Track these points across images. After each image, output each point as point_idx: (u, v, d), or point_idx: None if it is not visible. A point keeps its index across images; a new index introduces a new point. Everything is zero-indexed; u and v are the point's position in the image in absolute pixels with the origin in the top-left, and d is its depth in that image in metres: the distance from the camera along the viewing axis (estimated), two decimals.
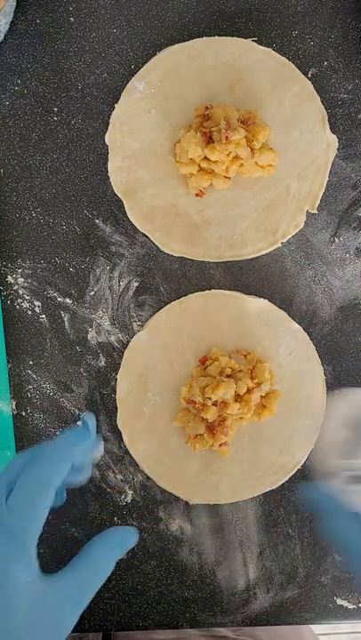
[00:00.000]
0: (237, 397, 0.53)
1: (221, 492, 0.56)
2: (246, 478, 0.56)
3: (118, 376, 0.56)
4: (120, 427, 0.56)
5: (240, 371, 0.54)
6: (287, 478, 0.56)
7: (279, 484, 0.56)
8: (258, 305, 0.56)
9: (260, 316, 0.56)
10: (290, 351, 0.56)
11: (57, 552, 0.57)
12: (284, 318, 0.57)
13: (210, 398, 0.52)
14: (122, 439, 0.56)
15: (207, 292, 0.57)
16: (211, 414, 0.52)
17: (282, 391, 0.55)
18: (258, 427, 0.56)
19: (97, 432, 0.41)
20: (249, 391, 0.53)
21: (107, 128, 0.56)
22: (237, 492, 0.56)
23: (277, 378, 0.56)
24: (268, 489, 0.56)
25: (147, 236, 0.57)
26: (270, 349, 0.56)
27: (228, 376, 0.53)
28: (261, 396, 0.54)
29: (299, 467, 0.56)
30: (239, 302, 0.56)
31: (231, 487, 0.56)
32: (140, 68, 0.56)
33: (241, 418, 0.53)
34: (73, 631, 0.56)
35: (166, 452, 0.56)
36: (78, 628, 0.57)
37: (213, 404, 0.52)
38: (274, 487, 0.56)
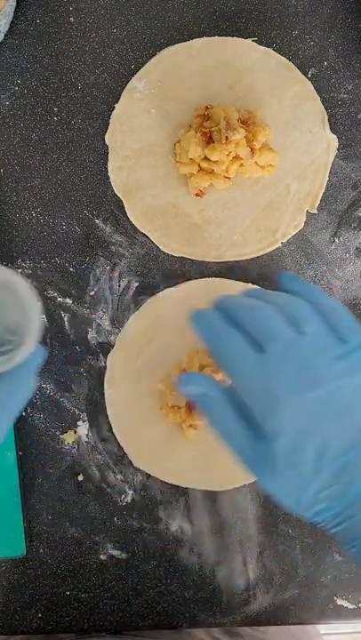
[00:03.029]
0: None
1: (167, 470, 0.56)
2: (195, 468, 0.56)
3: (130, 318, 0.56)
4: (108, 362, 0.56)
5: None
6: (232, 487, 0.56)
7: (222, 488, 0.56)
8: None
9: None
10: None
11: (57, 552, 0.57)
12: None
13: None
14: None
15: (250, 285, 0.56)
16: None
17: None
18: None
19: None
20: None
21: (107, 128, 0.56)
22: (182, 477, 0.56)
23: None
24: (209, 488, 0.56)
25: (147, 236, 0.57)
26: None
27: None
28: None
29: (246, 483, 0.56)
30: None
31: (178, 470, 0.56)
32: (140, 68, 0.56)
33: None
34: (70, 631, 0.56)
35: (136, 407, 0.56)
36: (78, 628, 0.57)
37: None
38: (214, 489, 0.56)
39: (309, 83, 0.56)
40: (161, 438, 0.56)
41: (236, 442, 0.36)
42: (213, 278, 0.57)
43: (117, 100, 0.56)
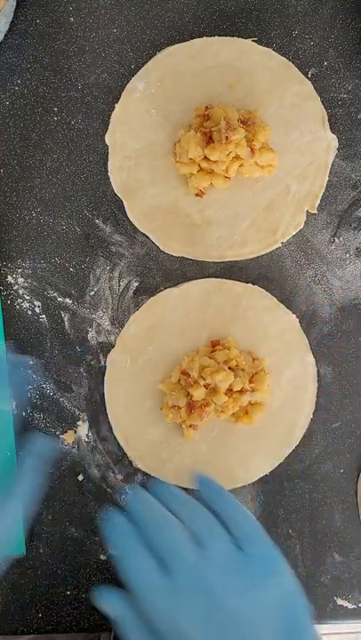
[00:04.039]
0: (228, 392, 0.53)
1: (167, 469, 0.56)
2: (195, 468, 0.56)
3: (131, 318, 0.56)
4: (108, 362, 0.56)
5: (243, 369, 0.54)
6: (232, 488, 0.56)
7: None
8: (288, 320, 0.56)
9: (285, 332, 0.56)
10: (294, 377, 0.56)
11: (57, 552, 0.57)
12: (303, 345, 0.57)
13: (204, 379, 0.52)
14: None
15: (251, 285, 0.57)
16: (198, 393, 0.52)
17: (268, 408, 0.55)
18: (229, 429, 0.56)
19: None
20: (242, 392, 0.54)
21: (107, 128, 0.56)
22: (179, 477, 0.56)
23: (270, 394, 0.56)
24: None
25: (147, 236, 0.57)
26: (277, 366, 0.56)
27: (230, 368, 0.53)
28: (249, 403, 0.54)
29: (245, 484, 0.56)
30: (275, 310, 0.56)
31: (176, 470, 0.56)
32: (140, 68, 0.56)
33: (221, 412, 0.53)
34: (70, 631, 0.56)
35: (136, 407, 0.56)
36: (78, 628, 0.57)
37: (205, 386, 0.52)
38: None
39: (309, 83, 0.56)
40: (161, 438, 0.56)
41: None
42: (213, 278, 0.57)
43: (117, 100, 0.56)
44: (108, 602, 0.39)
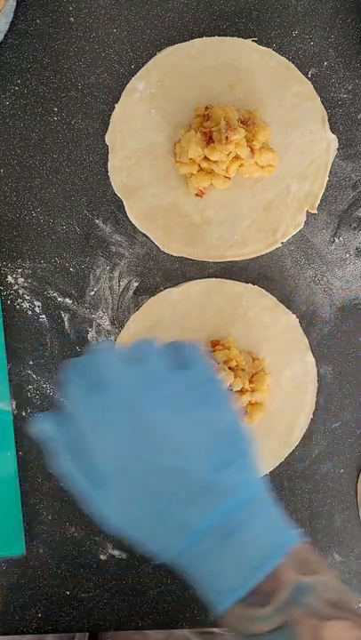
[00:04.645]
0: (228, 392, 0.53)
1: None
2: None
3: (131, 318, 0.56)
4: None
5: (243, 369, 0.54)
6: None
7: None
8: (288, 320, 0.56)
9: (285, 332, 0.56)
10: (294, 377, 0.56)
11: (57, 552, 0.57)
12: (303, 345, 0.57)
13: None
14: None
15: (251, 285, 0.56)
16: None
17: (268, 408, 0.55)
18: None
19: None
20: (242, 392, 0.53)
21: (107, 128, 0.56)
22: None
23: (270, 395, 0.56)
24: None
25: (147, 236, 0.57)
26: (277, 366, 0.56)
27: (230, 368, 0.53)
28: (249, 403, 0.54)
29: None
30: (275, 310, 0.56)
31: None
32: (140, 68, 0.56)
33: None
34: (70, 631, 0.56)
35: None
36: (78, 628, 0.57)
37: None
38: None
39: (309, 83, 0.56)
40: None
41: (74, 483, 0.37)
42: (213, 278, 0.57)
43: (117, 100, 0.56)
44: (42, 423, 0.37)
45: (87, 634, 0.57)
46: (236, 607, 0.34)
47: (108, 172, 0.56)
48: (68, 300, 0.57)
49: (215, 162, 0.52)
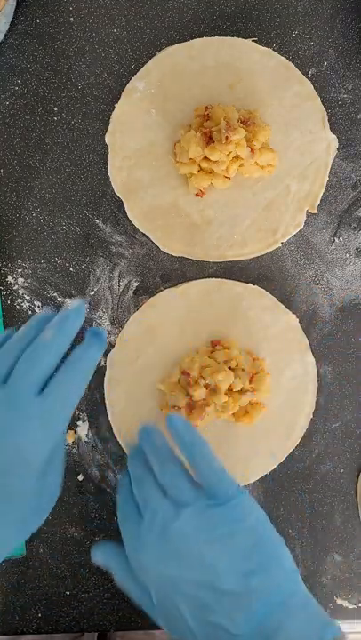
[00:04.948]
0: (228, 392, 0.53)
1: None
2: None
3: (131, 318, 0.56)
4: (108, 362, 0.56)
5: (243, 369, 0.54)
6: None
7: None
8: (288, 320, 0.56)
9: (285, 332, 0.56)
10: (294, 377, 0.56)
11: (57, 552, 0.57)
12: (303, 345, 0.57)
13: (204, 379, 0.52)
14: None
15: (251, 285, 0.57)
16: (198, 393, 0.52)
17: (268, 408, 0.55)
18: (229, 429, 0.56)
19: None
20: (242, 392, 0.54)
21: (107, 128, 0.56)
22: None
23: (270, 394, 0.56)
24: None
25: (147, 236, 0.57)
26: (277, 366, 0.56)
27: (230, 368, 0.53)
28: (249, 403, 0.54)
29: (245, 484, 0.56)
30: (275, 310, 0.56)
31: None
32: (140, 68, 0.56)
33: (221, 412, 0.53)
34: (70, 631, 0.56)
35: (136, 407, 0.56)
36: (78, 628, 0.57)
37: (205, 386, 0.52)
38: None
39: (309, 83, 0.56)
40: None
41: (138, 601, 0.42)
42: (213, 278, 0.57)
43: (117, 100, 0.56)
44: (102, 555, 0.42)
45: (96, 634, 0.57)
46: None
47: (108, 172, 0.56)
48: (68, 300, 0.57)
49: (215, 162, 0.52)
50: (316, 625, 0.38)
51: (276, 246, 0.57)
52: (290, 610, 0.38)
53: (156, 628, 0.57)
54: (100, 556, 0.42)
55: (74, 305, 0.41)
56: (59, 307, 0.57)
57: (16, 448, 0.37)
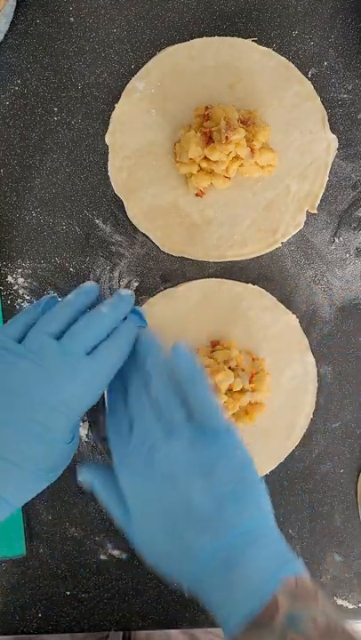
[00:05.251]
0: (229, 392, 0.53)
1: None
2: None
3: None
4: None
5: (243, 369, 0.54)
6: None
7: None
8: (288, 320, 0.56)
9: (285, 332, 0.56)
10: (294, 377, 0.56)
11: (57, 552, 0.57)
12: (303, 345, 0.57)
13: None
14: None
15: (251, 285, 0.57)
16: None
17: (268, 408, 0.55)
18: None
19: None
20: (242, 392, 0.53)
21: (107, 128, 0.56)
22: None
23: (270, 394, 0.56)
24: None
25: (147, 236, 0.57)
26: (277, 365, 0.56)
27: (230, 368, 0.53)
28: (249, 403, 0.54)
29: None
30: (274, 310, 0.56)
31: None
32: (140, 68, 0.56)
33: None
34: (64, 631, 0.56)
35: None
36: (78, 628, 0.57)
37: None
38: None
39: (309, 83, 0.56)
40: None
41: (116, 517, 0.42)
42: (213, 278, 0.57)
43: (117, 100, 0.56)
44: (86, 473, 0.44)
45: (121, 633, 0.57)
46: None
47: (108, 172, 0.56)
48: (120, 289, 0.57)
49: (215, 162, 0.52)
50: (278, 561, 0.38)
51: (276, 246, 0.57)
52: (256, 544, 0.38)
53: (156, 627, 0.57)
54: (86, 473, 0.44)
55: (127, 292, 0.46)
56: None
57: (61, 398, 0.41)
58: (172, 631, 0.59)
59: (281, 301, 0.57)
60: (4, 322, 0.57)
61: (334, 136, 0.57)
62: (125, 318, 0.46)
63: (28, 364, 0.41)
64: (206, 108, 0.54)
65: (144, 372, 0.44)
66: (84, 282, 0.57)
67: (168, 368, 0.44)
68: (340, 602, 0.57)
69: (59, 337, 0.43)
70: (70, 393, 0.41)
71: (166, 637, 0.60)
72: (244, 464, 0.42)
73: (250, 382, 0.54)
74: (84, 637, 0.59)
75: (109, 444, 0.43)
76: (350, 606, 0.57)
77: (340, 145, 0.57)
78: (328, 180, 0.57)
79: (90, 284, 0.46)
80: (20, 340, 0.43)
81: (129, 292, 0.46)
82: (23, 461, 0.40)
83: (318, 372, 0.57)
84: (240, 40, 0.56)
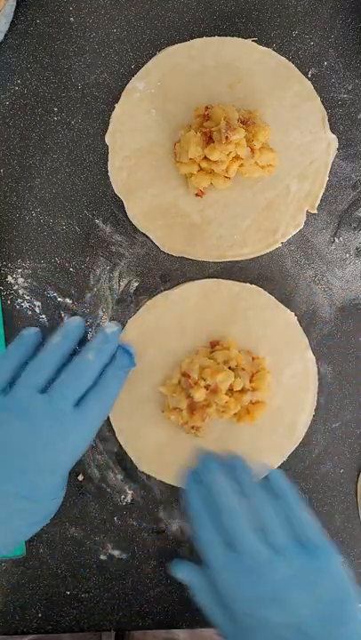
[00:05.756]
0: (229, 392, 0.53)
1: (170, 471, 0.56)
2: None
3: (131, 319, 0.56)
4: None
5: (243, 369, 0.54)
6: None
7: None
8: (287, 319, 0.56)
9: (285, 331, 0.56)
10: (294, 375, 0.56)
11: (57, 552, 0.57)
12: (303, 344, 0.57)
13: (205, 380, 0.52)
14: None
15: (250, 285, 0.57)
16: (199, 394, 0.52)
17: (269, 407, 0.55)
18: (231, 430, 0.56)
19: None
20: (243, 391, 0.53)
21: (107, 128, 0.56)
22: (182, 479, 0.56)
23: (271, 392, 0.56)
24: None
25: (147, 236, 0.57)
26: (277, 364, 0.56)
27: (230, 368, 0.53)
28: (250, 402, 0.54)
29: None
30: (274, 309, 0.56)
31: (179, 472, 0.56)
32: (140, 68, 0.56)
33: (223, 412, 0.53)
34: (64, 631, 0.56)
35: (137, 408, 0.56)
36: (78, 628, 0.57)
37: (205, 387, 0.52)
38: None
39: (309, 83, 0.56)
40: (163, 440, 0.56)
41: (214, 618, 0.43)
42: (213, 278, 0.57)
43: (117, 100, 0.56)
44: (183, 572, 0.44)
45: (114, 633, 0.57)
46: None
47: (108, 172, 0.56)
48: (68, 300, 0.57)
49: (215, 162, 0.52)
50: None
51: (276, 246, 0.57)
52: None
53: (156, 627, 0.57)
54: (182, 574, 0.45)
55: (112, 330, 0.46)
56: (58, 307, 0.57)
57: (52, 454, 0.40)
58: (175, 631, 0.59)
59: (281, 301, 0.57)
60: (4, 322, 0.57)
61: (334, 136, 0.57)
62: (115, 355, 0.46)
63: (16, 421, 0.41)
64: (206, 108, 0.54)
65: (234, 493, 0.44)
66: (82, 282, 0.57)
67: (261, 490, 0.45)
68: None
69: (45, 388, 0.42)
70: (62, 448, 0.41)
71: (169, 636, 0.60)
72: (344, 577, 0.43)
73: (250, 381, 0.54)
74: (81, 636, 0.59)
75: (205, 557, 0.44)
76: None
77: (340, 145, 0.57)
78: (328, 180, 0.57)
79: (75, 321, 0.45)
80: (6, 388, 0.42)
81: (114, 327, 0.46)
82: (8, 519, 0.40)
83: (318, 371, 0.57)
84: (240, 40, 0.56)
